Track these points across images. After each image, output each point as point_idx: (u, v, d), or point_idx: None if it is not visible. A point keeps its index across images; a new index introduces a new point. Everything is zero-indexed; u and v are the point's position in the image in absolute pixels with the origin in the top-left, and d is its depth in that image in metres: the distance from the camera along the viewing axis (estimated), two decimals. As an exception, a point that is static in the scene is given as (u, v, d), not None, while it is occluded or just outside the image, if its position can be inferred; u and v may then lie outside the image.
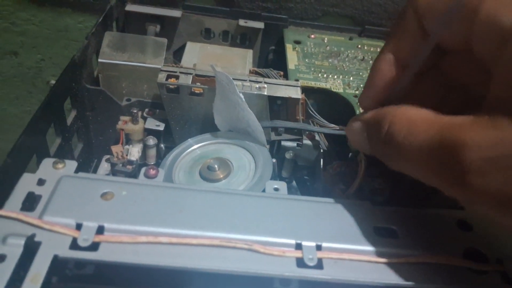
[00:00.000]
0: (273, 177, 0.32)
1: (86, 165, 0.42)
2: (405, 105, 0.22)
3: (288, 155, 0.37)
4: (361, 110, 0.32)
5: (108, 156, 0.41)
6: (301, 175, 0.39)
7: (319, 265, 0.21)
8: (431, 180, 0.20)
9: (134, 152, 0.37)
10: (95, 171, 0.41)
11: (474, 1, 0.19)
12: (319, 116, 0.37)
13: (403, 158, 0.21)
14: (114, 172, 0.34)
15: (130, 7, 0.50)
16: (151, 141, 0.36)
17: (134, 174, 0.34)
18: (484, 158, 0.17)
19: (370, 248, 0.23)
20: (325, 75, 0.43)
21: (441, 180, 0.19)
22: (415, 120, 0.21)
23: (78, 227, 0.21)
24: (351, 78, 0.43)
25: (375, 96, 0.25)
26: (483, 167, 0.17)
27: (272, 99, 0.36)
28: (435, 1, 0.21)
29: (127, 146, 0.38)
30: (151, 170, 0.26)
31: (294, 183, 0.38)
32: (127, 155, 0.36)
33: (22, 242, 0.20)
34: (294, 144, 0.38)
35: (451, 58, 0.23)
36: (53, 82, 0.70)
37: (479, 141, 0.17)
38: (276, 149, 0.39)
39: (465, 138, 0.18)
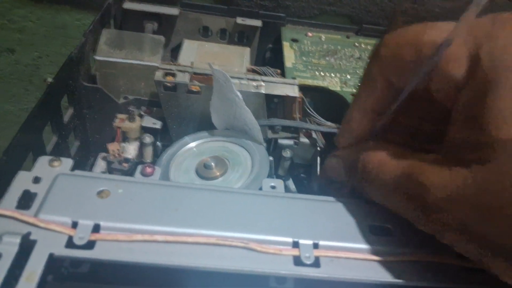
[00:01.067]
0: (270, 175, 0.32)
1: (83, 163, 0.42)
2: (376, 144, 0.25)
3: (285, 153, 0.37)
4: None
5: (104, 154, 0.41)
6: (298, 173, 0.39)
7: (316, 263, 0.21)
8: (402, 214, 0.22)
9: (131, 150, 0.37)
10: (91, 169, 0.41)
11: (430, 56, 0.21)
12: (316, 114, 0.37)
13: (377, 193, 0.23)
14: (110, 170, 0.34)
15: (127, 5, 0.50)
16: (148, 139, 0.36)
17: (130, 172, 0.34)
18: (439, 198, 0.19)
19: (366, 246, 0.23)
20: (322, 73, 0.43)
21: (409, 215, 0.21)
22: (384, 161, 0.23)
23: (74, 225, 0.21)
24: (348, 77, 0.44)
25: (351, 140, 0.27)
26: (439, 206, 0.19)
27: (269, 97, 0.36)
28: (396, 59, 0.22)
29: (123, 144, 0.38)
30: (148, 168, 0.26)
31: (290, 181, 0.38)
32: (123, 153, 0.36)
33: (17, 240, 0.20)
34: (291, 142, 0.38)
35: (417, 102, 0.24)
36: (49, 79, 0.70)
37: (434, 182, 0.19)
38: (272, 147, 0.39)
39: (423, 180, 0.20)
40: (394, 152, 0.23)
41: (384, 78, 0.23)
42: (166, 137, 0.39)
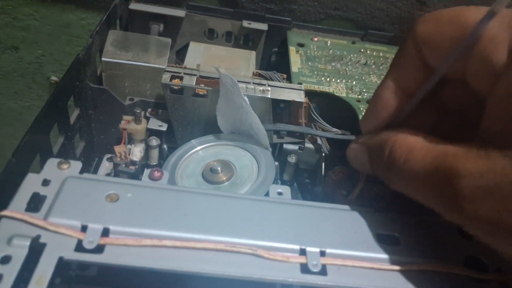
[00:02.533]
0: (275, 180, 0.32)
1: (87, 164, 0.42)
2: (404, 129, 0.23)
3: (290, 158, 0.37)
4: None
5: (109, 156, 0.41)
6: (302, 178, 0.39)
7: (323, 271, 0.21)
8: (430, 203, 0.21)
9: (136, 152, 0.37)
10: (95, 170, 0.41)
11: (470, 40, 0.20)
12: (321, 120, 0.38)
13: (404, 182, 0.22)
14: (117, 172, 0.34)
15: (134, 6, 0.50)
16: (154, 141, 0.36)
17: (136, 175, 0.34)
18: (475, 186, 0.18)
19: (373, 255, 0.23)
20: (328, 79, 0.43)
21: (439, 204, 0.21)
22: (413, 147, 0.22)
23: (84, 229, 0.21)
24: (354, 83, 0.44)
25: (377, 123, 0.26)
26: (474, 195, 0.18)
27: (275, 102, 0.36)
28: (434, 36, 0.22)
29: (129, 146, 0.38)
30: (156, 172, 0.26)
31: (295, 186, 0.38)
32: (129, 155, 0.36)
33: (27, 243, 0.20)
34: (296, 147, 0.38)
35: (448, 86, 0.24)
36: (54, 78, 0.70)
37: (471, 170, 0.18)
38: (278, 152, 0.39)
39: (458, 167, 0.19)
40: (424, 138, 0.22)
41: (419, 56, 0.22)
42: (171, 139, 0.39)
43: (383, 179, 0.24)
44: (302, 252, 0.22)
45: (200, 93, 0.36)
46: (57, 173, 0.24)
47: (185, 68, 0.38)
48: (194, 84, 0.36)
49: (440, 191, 0.20)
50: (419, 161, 0.21)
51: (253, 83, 0.36)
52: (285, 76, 0.42)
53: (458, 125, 0.25)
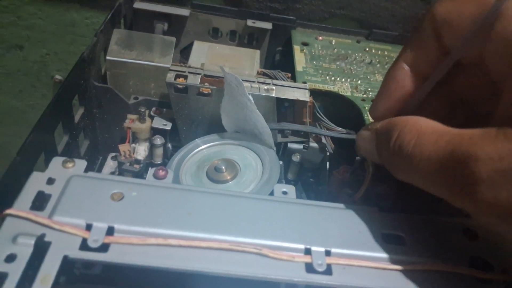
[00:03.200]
0: (280, 179, 0.32)
1: (91, 162, 0.42)
2: (414, 116, 0.22)
3: (295, 157, 0.37)
4: (369, 115, 0.31)
5: (113, 154, 0.41)
6: (307, 177, 0.39)
7: (328, 271, 0.21)
8: (440, 191, 0.20)
9: (141, 151, 0.37)
10: (100, 169, 0.41)
11: (490, 17, 0.19)
12: (326, 119, 0.37)
13: (412, 168, 0.21)
14: (121, 171, 0.34)
15: (138, 5, 0.50)
16: (159, 140, 0.36)
17: (141, 174, 0.34)
18: (495, 169, 0.17)
19: (378, 254, 0.23)
20: (332, 78, 0.43)
21: (451, 191, 0.20)
22: (425, 131, 0.21)
23: (88, 227, 0.21)
24: (359, 82, 0.43)
25: (388, 107, 0.25)
26: (494, 179, 0.17)
27: (279, 101, 0.36)
28: (454, 15, 0.21)
29: (133, 145, 0.38)
30: (161, 171, 0.26)
31: (300, 185, 0.38)
32: (134, 154, 0.36)
33: (32, 242, 0.20)
34: (300, 146, 0.38)
35: (462, 72, 0.23)
36: (58, 77, 0.70)
37: (490, 153, 0.18)
38: (282, 151, 0.39)
39: (476, 150, 0.18)
40: (434, 126, 0.21)
41: (436, 37, 0.21)
42: (175, 138, 0.39)
43: (388, 167, 0.23)
44: (307, 251, 0.22)
45: (204, 92, 0.36)
46: (62, 172, 0.24)
47: (189, 67, 0.38)
48: (198, 83, 0.36)
49: (453, 177, 0.19)
50: (431, 145, 0.20)
51: (258, 82, 0.36)
52: (289, 75, 0.42)
53: (468, 118, 0.25)
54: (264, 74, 0.42)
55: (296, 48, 0.48)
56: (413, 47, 0.23)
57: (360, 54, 0.49)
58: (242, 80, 0.33)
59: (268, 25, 0.52)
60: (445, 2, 0.21)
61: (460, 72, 0.23)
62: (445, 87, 0.24)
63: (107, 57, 0.41)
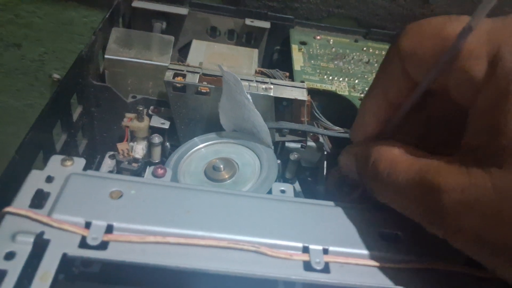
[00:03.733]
0: (277, 178, 0.32)
1: (90, 161, 0.42)
2: (389, 141, 0.23)
3: (292, 156, 0.37)
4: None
5: (111, 153, 0.41)
6: (304, 176, 0.39)
7: (326, 269, 0.21)
8: (413, 216, 0.21)
9: (139, 149, 0.37)
10: (98, 168, 0.41)
11: (451, 53, 0.20)
12: (324, 118, 0.38)
13: (387, 194, 0.23)
14: (119, 169, 0.34)
15: (136, 3, 0.50)
16: (157, 139, 0.36)
17: (139, 172, 0.34)
18: (457, 201, 0.18)
19: (375, 253, 0.23)
20: (330, 77, 0.43)
21: (421, 218, 0.21)
22: (397, 159, 0.22)
23: (87, 225, 0.21)
24: (357, 81, 0.44)
25: (364, 134, 0.26)
26: (456, 210, 0.18)
27: (277, 100, 0.36)
28: (417, 49, 0.21)
29: (131, 143, 0.38)
30: (159, 169, 0.26)
31: (297, 183, 0.38)
32: (132, 153, 0.36)
33: (31, 239, 0.20)
34: (298, 145, 0.38)
35: (434, 98, 0.24)
36: (56, 75, 0.70)
37: (452, 185, 0.19)
38: (280, 150, 0.39)
39: (440, 182, 0.19)
40: (407, 151, 0.22)
41: (402, 69, 0.22)
42: (173, 137, 0.39)
43: (368, 189, 0.24)
44: (305, 249, 0.22)
45: (202, 91, 0.36)
46: (60, 170, 0.24)
47: (187, 65, 0.38)
48: (196, 82, 0.36)
49: (423, 204, 0.20)
50: (402, 174, 0.21)
51: (256, 81, 0.36)
52: (287, 74, 0.42)
53: (447, 136, 0.25)
54: (262, 73, 0.42)
55: (294, 47, 0.48)
56: (383, 78, 0.24)
57: (358, 53, 0.49)
58: (240, 79, 0.33)
59: (266, 24, 0.52)
60: (408, 35, 0.22)
61: (432, 98, 0.24)
62: (419, 111, 0.25)
63: (106, 56, 0.41)
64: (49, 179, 0.23)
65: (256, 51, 0.46)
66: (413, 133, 0.25)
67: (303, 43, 0.49)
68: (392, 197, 0.22)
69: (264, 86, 0.36)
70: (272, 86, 0.36)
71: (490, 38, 0.19)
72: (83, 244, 0.20)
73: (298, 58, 0.46)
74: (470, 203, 0.18)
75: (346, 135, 0.36)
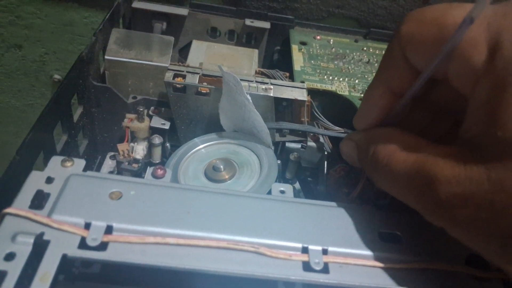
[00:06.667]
0: (277, 179, 0.32)
1: (90, 162, 0.42)
2: (391, 130, 0.24)
3: (293, 156, 0.37)
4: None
5: (112, 153, 0.41)
6: (305, 176, 0.39)
7: (325, 269, 0.21)
8: (411, 205, 0.21)
9: (139, 150, 0.37)
10: (98, 168, 0.41)
11: (454, 41, 0.20)
12: (324, 118, 0.38)
13: (386, 181, 0.23)
14: (120, 170, 0.34)
15: (137, 4, 0.50)
16: (157, 139, 0.36)
17: (139, 173, 0.34)
18: (452, 193, 0.18)
19: (375, 253, 0.23)
20: (330, 77, 0.44)
21: (419, 206, 0.21)
22: (395, 149, 0.22)
23: (87, 226, 0.21)
24: (357, 81, 0.44)
25: (367, 123, 0.26)
26: (451, 201, 0.18)
27: (277, 101, 0.36)
28: (417, 36, 0.21)
29: (131, 144, 0.38)
30: (159, 170, 0.26)
31: (297, 184, 0.38)
32: (132, 153, 0.36)
33: (31, 240, 0.20)
34: (298, 145, 0.38)
35: (438, 87, 0.24)
36: (56, 76, 0.70)
37: (448, 177, 0.18)
38: (280, 150, 0.39)
39: (436, 173, 0.19)
40: (406, 141, 0.22)
41: (404, 57, 0.22)
42: (174, 137, 0.40)
43: (368, 176, 0.25)
44: (305, 250, 0.22)
45: (202, 91, 0.36)
46: (61, 171, 0.24)
47: (188, 66, 0.38)
48: (197, 83, 0.36)
49: (420, 195, 0.20)
50: (400, 163, 0.21)
51: (256, 81, 0.36)
52: (287, 74, 0.42)
53: (451, 125, 0.26)
54: (262, 74, 0.42)
55: (294, 48, 0.48)
56: (385, 67, 0.24)
57: (358, 53, 0.49)
58: (240, 79, 0.33)
59: (266, 25, 0.52)
60: (409, 22, 0.22)
61: (436, 86, 0.24)
62: (423, 100, 0.25)
63: (106, 57, 0.41)
64: (49, 180, 0.23)
65: (256, 51, 0.46)
66: (418, 122, 0.25)
67: (303, 43, 0.49)
68: (391, 186, 0.22)
69: (264, 87, 0.36)
70: (272, 87, 0.36)
71: (491, 25, 0.18)
72: (83, 245, 0.20)
73: (298, 58, 0.46)
74: (466, 196, 0.18)
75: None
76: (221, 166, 0.31)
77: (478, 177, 0.18)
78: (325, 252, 0.22)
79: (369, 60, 0.48)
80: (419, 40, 0.21)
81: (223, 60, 0.43)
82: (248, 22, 0.51)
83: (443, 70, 0.21)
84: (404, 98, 0.23)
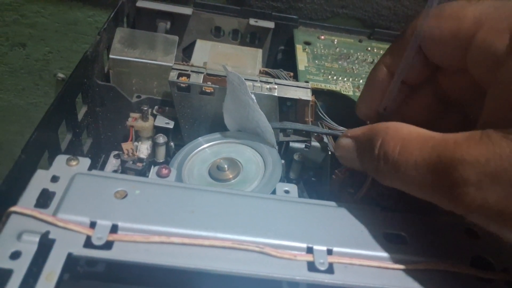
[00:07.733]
0: (281, 178, 0.32)
1: (94, 161, 0.42)
2: (395, 122, 0.23)
3: (296, 156, 0.37)
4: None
5: (116, 152, 0.41)
6: (308, 176, 0.39)
7: (330, 269, 0.21)
8: (428, 195, 0.21)
9: (143, 149, 0.37)
10: (102, 167, 0.41)
11: (471, 28, 0.21)
12: (328, 118, 0.37)
13: (398, 175, 0.21)
14: (124, 169, 0.34)
15: (141, 3, 0.50)
16: (161, 139, 0.36)
17: (143, 172, 0.34)
18: (481, 172, 0.18)
19: (380, 253, 0.23)
20: (334, 77, 0.43)
21: (439, 195, 0.20)
22: (408, 137, 0.21)
23: (92, 225, 0.21)
24: (361, 81, 0.44)
25: (372, 106, 0.26)
26: (482, 181, 0.18)
27: (282, 100, 0.36)
28: (436, 31, 0.22)
29: (136, 143, 0.38)
30: (164, 169, 0.26)
31: (301, 184, 0.38)
32: (136, 152, 0.36)
33: (36, 239, 0.20)
34: (302, 145, 0.38)
35: (449, 76, 0.24)
36: (60, 75, 0.70)
37: (476, 156, 0.18)
38: (284, 150, 0.39)
39: (462, 154, 0.18)
40: (416, 132, 0.21)
41: (418, 50, 0.23)
42: (178, 136, 0.40)
43: (372, 174, 0.24)
44: (309, 250, 0.22)
45: (207, 91, 0.36)
46: (66, 170, 0.24)
47: (192, 66, 0.38)
48: (201, 82, 0.36)
49: (441, 181, 0.19)
50: (416, 151, 0.20)
51: (260, 81, 0.36)
52: (291, 74, 0.42)
53: (459, 122, 0.25)
54: (267, 73, 0.42)
55: (298, 47, 0.48)
56: (394, 54, 0.25)
57: (362, 53, 0.49)
58: (245, 79, 0.33)
59: (270, 24, 0.52)
60: (427, 18, 0.23)
61: (447, 76, 0.24)
62: (432, 89, 0.25)
63: (110, 56, 0.41)
64: (54, 179, 0.23)
65: (260, 51, 0.46)
66: (425, 114, 0.26)
67: (307, 43, 0.49)
68: (403, 178, 0.21)
69: (268, 86, 0.36)
70: (276, 86, 0.36)
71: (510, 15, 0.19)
72: (88, 243, 0.20)
73: (302, 58, 0.46)
74: (497, 174, 0.17)
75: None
76: (225, 166, 0.31)
77: (509, 153, 0.17)
78: (330, 252, 0.22)
79: (373, 60, 0.48)
80: (437, 34, 0.22)
81: (227, 60, 0.43)
82: (252, 21, 0.51)
83: (459, 58, 0.21)
84: (396, 76, 0.24)
